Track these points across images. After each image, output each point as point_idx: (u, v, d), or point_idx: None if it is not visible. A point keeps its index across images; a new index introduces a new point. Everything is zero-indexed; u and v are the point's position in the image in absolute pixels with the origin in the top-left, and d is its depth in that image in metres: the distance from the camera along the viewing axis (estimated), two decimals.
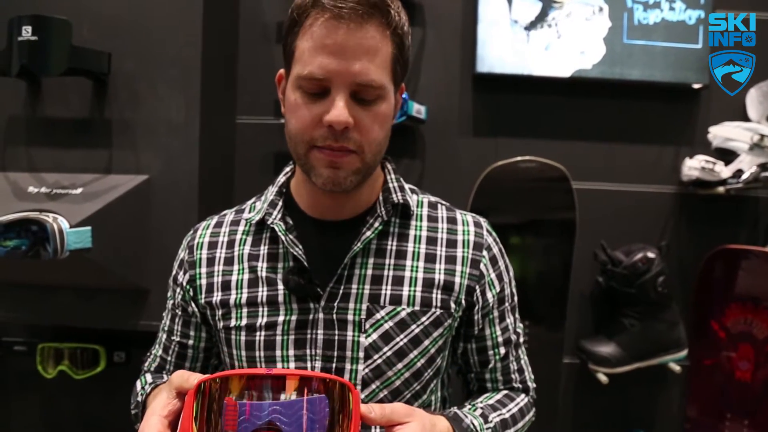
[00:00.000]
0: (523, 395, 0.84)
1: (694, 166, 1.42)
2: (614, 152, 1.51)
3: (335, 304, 0.76)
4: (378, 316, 0.75)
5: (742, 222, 1.50)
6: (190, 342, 0.86)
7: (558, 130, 1.50)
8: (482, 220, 0.85)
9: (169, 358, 0.88)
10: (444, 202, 0.87)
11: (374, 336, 0.74)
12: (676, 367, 1.39)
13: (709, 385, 1.49)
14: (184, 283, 0.83)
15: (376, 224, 0.77)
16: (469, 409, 0.76)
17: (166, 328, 0.88)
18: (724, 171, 1.40)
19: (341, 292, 0.76)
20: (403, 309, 0.75)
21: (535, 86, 1.46)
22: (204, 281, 0.81)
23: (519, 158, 1.43)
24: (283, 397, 0.56)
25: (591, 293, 1.49)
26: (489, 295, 0.81)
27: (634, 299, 1.38)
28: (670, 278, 1.39)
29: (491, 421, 0.75)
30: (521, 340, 0.86)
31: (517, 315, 0.86)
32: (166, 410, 0.58)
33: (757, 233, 1.50)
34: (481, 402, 0.80)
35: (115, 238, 1.19)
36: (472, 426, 0.70)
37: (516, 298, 0.86)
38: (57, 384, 1.56)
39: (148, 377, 0.88)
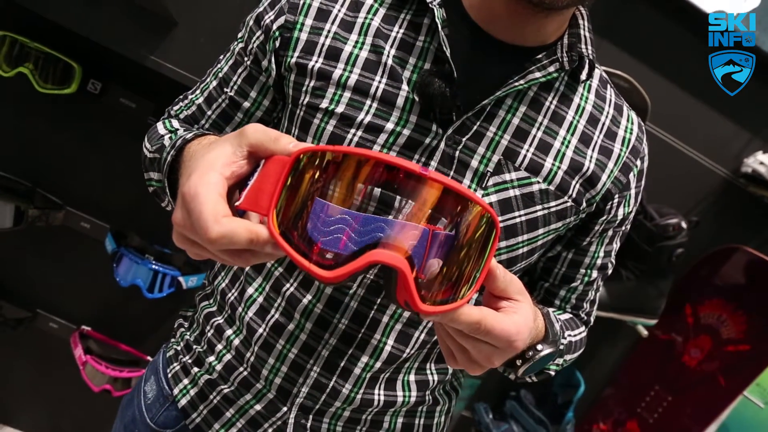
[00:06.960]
0: (583, 327, 0.76)
1: (764, 161, 1.34)
2: (696, 111, 1.38)
3: (463, 139, 0.60)
4: (506, 177, 0.61)
5: None
6: (246, 104, 0.68)
7: (662, 61, 1.34)
8: (642, 125, 0.72)
9: (209, 113, 0.70)
10: (612, 84, 0.71)
11: (493, 198, 0.61)
12: (644, 331, 1.41)
13: (654, 356, 1.55)
14: (273, 28, 0.62)
15: (551, 69, 0.60)
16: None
17: (221, 75, 0.69)
18: None
19: (475, 129, 0.61)
20: (537, 183, 0.62)
21: (676, 6, 1.26)
22: (304, 35, 0.61)
23: (615, 71, 1.27)
24: (400, 213, 0.42)
25: None
26: (621, 211, 0.69)
27: (644, 257, 1.34)
28: (685, 253, 1.36)
29: (566, 338, 0.67)
30: (609, 272, 0.76)
31: (620, 244, 0.75)
32: (228, 170, 0.41)
33: None
34: (557, 314, 0.71)
35: None
36: (559, 334, 0.61)
37: (630, 226, 0.75)
38: (10, 91, 1.31)
39: (176, 123, 0.70)
